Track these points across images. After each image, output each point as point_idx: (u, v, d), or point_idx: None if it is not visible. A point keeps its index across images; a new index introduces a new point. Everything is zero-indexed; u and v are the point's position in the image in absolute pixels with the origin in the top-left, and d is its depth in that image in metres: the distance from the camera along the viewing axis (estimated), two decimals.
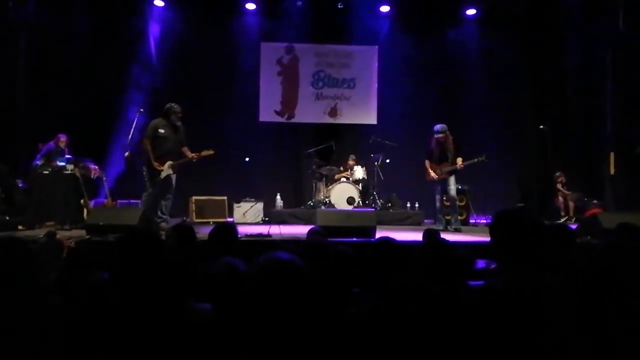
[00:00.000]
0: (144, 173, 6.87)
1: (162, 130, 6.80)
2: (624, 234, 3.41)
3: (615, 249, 2.11)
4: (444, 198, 7.79)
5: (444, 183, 7.64)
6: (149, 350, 1.75)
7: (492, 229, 2.41)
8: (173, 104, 6.96)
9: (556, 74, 10.20)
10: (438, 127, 7.59)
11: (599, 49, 9.55)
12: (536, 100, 10.29)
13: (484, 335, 1.76)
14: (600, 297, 1.96)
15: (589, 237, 5.69)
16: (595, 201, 9.02)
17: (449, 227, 7.60)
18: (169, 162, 6.76)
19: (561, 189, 9.54)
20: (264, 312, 1.55)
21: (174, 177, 6.87)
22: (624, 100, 9.16)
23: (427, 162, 7.74)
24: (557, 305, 1.88)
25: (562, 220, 9.08)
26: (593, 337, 1.85)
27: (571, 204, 9.39)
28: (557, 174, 9.63)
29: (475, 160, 7.47)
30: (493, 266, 3.58)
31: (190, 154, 6.93)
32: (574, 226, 6.66)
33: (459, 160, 7.44)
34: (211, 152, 6.95)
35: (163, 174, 6.74)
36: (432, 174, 7.64)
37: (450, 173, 7.57)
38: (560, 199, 9.47)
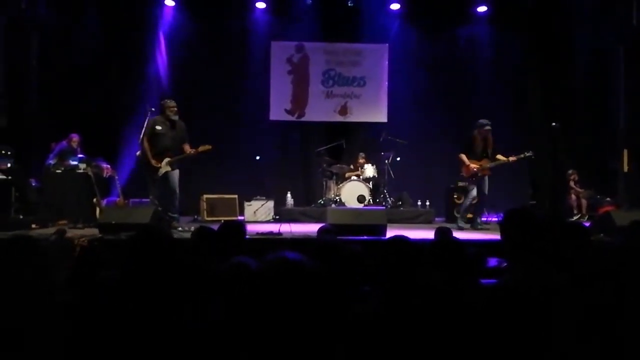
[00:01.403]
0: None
1: (159, 127, 6.69)
2: (637, 232, 3.37)
3: (628, 247, 2.09)
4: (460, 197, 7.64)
5: (480, 181, 7.39)
6: (160, 348, 1.75)
7: (503, 227, 2.40)
8: (167, 100, 6.91)
9: (567, 70, 10.11)
10: (484, 120, 7.37)
11: (610, 45, 9.45)
12: (547, 97, 10.19)
13: (492, 333, 1.75)
14: (613, 295, 1.94)
15: (602, 234, 5.63)
16: (608, 198, 8.93)
17: (471, 225, 7.46)
18: (166, 159, 6.66)
19: (574, 186, 9.46)
20: (272, 311, 1.55)
21: (174, 173, 6.73)
22: (636, 96, 9.05)
23: (463, 156, 7.40)
24: (568, 303, 1.86)
25: (575, 218, 9.01)
26: (604, 336, 1.83)
27: (584, 202, 9.30)
28: (570, 171, 9.55)
29: (523, 155, 7.30)
30: (505, 264, 3.56)
31: (189, 150, 6.79)
32: (587, 224, 6.61)
33: (500, 156, 7.28)
34: (209, 147, 6.75)
35: (161, 171, 6.63)
36: (474, 166, 7.30)
37: (492, 169, 7.36)
38: (573, 196, 9.39)
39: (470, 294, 2.01)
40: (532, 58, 10.38)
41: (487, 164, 7.36)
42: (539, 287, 1.89)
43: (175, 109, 6.81)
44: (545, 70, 10.30)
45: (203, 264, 2.53)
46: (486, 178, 7.43)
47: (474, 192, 7.45)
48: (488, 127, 7.36)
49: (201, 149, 6.75)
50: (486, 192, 7.43)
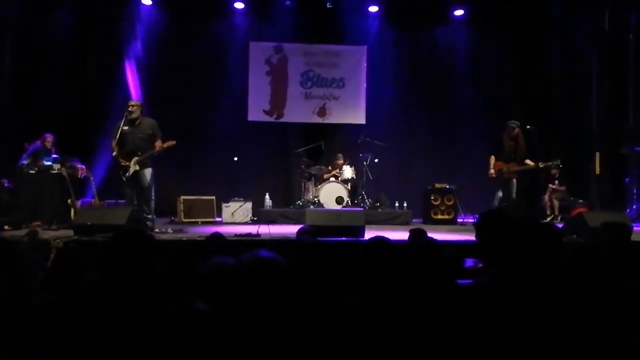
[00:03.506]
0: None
1: (125, 128, 6.63)
2: (608, 233, 3.45)
3: (600, 248, 2.14)
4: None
5: (507, 184, 7.35)
6: (141, 349, 1.74)
7: (478, 228, 2.43)
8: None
9: (542, 73, 10.29)
10: (514, 121, 7.35)
11: (584, 49, 9.66)
12: (523, 100, 10.35)
13: (467, 333, 1.78)
14: (585, 294, 1.99)
15: (574, 236, 5.75)
16: (580, 200, 9.10)
17: None
18: (135, 158, 6.58)
19: (555, 181, 9.55)
20: (246, 308, 1.56)
21: (145, 172, 6.64)
22: (609, 99, 9.27)
23: (492, 158, 7.42)
24: (542, 303, 1.90)
25: (548, 219, 9.16)
26: (578, 335, 1.87)
27: (556, 203, 9.46)
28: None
29: (551, 163, 7.38)
30: (480, 265, 3.62)
31: (158, 146, 6.67)
32: (560, 225, 6.73)
33: (529, 161, 7.29)
34: (173, 142, 6.71)
35: (130, 171, 6.56)
36: (492, 172, 7.32)
37: (519, 173, 7.32)
38: (546, 198, 9.54)
39: (449, 294, 2.04)
40: (508, 61, 10.54)
41: (514, 167, 7.33)
42: (514, 287, 1.92)
43: (134, 107, 6.69)
44: (521, 73, 10.47)
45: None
46: (513, 181, 7.37)
47: (499, 193, 7.45)
48: (513, 127, 7.34)
49: (166, 145, 6.68)
50: (513, 195, 7.35)
